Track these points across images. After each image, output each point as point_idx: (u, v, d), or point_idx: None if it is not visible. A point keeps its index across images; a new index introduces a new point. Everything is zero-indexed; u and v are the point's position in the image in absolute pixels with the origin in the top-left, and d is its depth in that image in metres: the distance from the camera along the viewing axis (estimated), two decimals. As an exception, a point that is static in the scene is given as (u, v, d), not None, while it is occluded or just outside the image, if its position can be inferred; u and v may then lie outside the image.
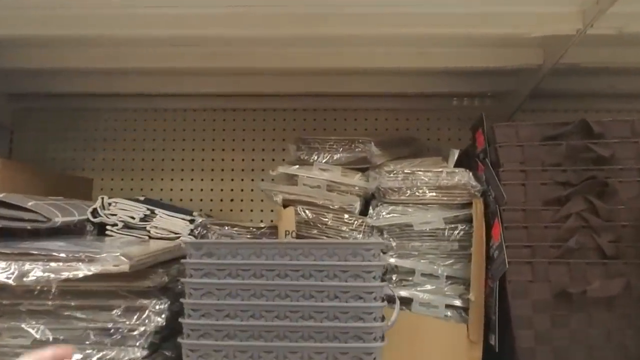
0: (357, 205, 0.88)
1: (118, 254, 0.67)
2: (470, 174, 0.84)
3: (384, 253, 0.84)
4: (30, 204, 0.80)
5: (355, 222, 0.86)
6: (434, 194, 0.83)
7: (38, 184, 0.98)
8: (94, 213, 0.94)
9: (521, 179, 0.79)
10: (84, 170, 1.27)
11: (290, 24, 0.81)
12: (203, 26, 0.84)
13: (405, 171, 0.85)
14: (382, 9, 0.79)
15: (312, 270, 0.65)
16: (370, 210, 0.86)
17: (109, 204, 0.95)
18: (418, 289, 0.83)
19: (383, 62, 0.98)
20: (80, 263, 0.67)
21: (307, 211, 0.87)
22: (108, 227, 0.94)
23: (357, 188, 0.89)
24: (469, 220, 0.84)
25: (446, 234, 0.84)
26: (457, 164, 0.88)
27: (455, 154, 0.89)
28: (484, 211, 0.82)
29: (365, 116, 1.26)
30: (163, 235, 0.93)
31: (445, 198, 0.84)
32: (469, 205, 0.84)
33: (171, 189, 1.24)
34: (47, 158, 1.27)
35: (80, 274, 0.65)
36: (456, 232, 0.84)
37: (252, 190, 1.25)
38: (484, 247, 0.81)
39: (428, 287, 0.83)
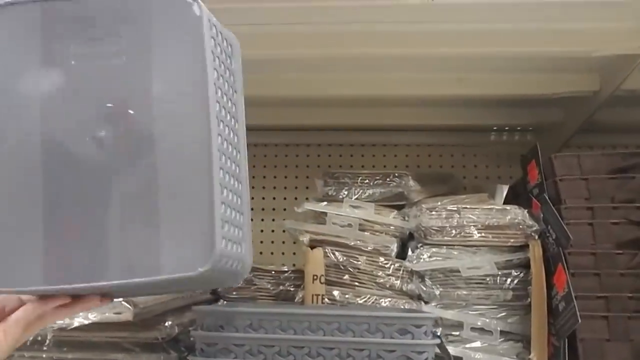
0: (394, 247, 0.81)
1: (120, 299, 0.58)
2: (525, 211, 0.75)
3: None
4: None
5: (392, 265, 0.79)
6: (483, 234, 0.76)
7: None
8: (100, 253, 0.86)
9: (588, 217, 0.72)
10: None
11: (311, 43, 0.72)
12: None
13: (449, 208, 0.76)
14: (417, 26, 0.70)
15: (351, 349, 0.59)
16: (410, 253, 0.78)
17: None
18: (467, 346, 0.75)
19: (418, 90, 0.89)
20: (76, 310, 0.58)
21: (337, 253, 0.80)
22: (115, 269, 0.85)
23: (393, 227, 0.82)
24: (524, 265, 0.76)
25: (498, 281, 0.75)
26: (504, 203, 0.80)
27: (503, 190, 0.81)
28: (542, 255, 0.73)
29: (395, 152, 1.18)
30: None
31: (496, 239, 0.76)
32: (523, 248, 0.76)
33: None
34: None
35: (76, 323, 0.58)
36: (510, 279, 0.75)
37: (272, 231, 1.17)
38: (545, 296, 0.72)
39: (479, 344, 0.74)
